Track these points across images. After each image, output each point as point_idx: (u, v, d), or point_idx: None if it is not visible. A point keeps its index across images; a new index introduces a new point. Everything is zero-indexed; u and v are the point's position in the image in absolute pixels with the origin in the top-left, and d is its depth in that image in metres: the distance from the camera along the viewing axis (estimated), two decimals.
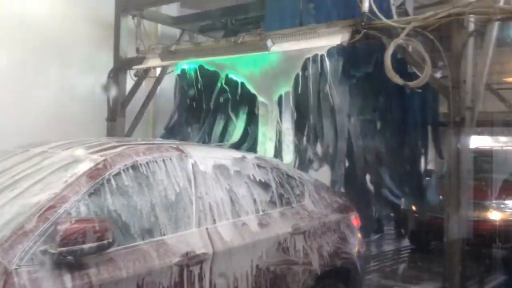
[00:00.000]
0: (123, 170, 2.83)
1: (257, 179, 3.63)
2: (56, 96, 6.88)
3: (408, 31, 4.36)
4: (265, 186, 3.66)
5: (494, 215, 6.35)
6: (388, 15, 4.71)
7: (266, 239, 3.40)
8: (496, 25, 4.86)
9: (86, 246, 2.33)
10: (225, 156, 3.58)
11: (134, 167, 2.91)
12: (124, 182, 2.81)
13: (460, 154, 4.35)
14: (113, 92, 7.09)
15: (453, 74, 4.38)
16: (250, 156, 3.83)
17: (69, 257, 2.31)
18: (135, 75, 6.99)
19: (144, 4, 7.12)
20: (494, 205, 6.41)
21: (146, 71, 6.90)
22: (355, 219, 4.34)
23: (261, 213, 3.51)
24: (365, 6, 4.54)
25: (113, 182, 2.75)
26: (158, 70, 7.20)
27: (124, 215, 2.72)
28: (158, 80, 7.36)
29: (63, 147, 3.14)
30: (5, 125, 5.85)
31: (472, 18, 4.31)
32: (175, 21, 7.72)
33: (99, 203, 2.66)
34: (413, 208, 7.12)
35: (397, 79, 4.44)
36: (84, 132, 6.86)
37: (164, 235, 2.85)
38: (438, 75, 5.01)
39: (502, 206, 6.48)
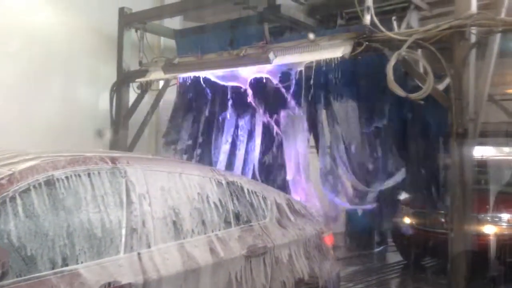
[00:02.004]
0: (34, 187, 2.39)
1: (209, 196, 3.21)
2: (60, 108, 6.90)
3: (410, 43, 4.38)
4: (218, 203, 3.25)
5: (488, 229, 5.99)
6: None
7: (214, 265, 2.95)
8: (498, 37, 4.87)
9: None
10: (170, 169, 3.11)
11: (49, 182, 2.46)
12: (34, 200, 2.37)
13: (464, 165, 4.33)
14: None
15: (455, 86, 4.38)
16: (201, 169, 3.42)
17: None
18: (138, 87, 7.03)
19: (147, 17, 7.17)
20: (488, 218, 6.08)
21: (149, 83, 6.92)
22: (328, 238, 3.97)
23: (211, 234, 3.07)
24: (367, 19, 4.56)
25: (18, 200, 2.31)
26: (161, 83, 7.23)
27: (30, 240, 2.28)
28: (161, 93, 7.38)
29: None
30: (9, 136, 5.86)
31: (473, 30, 4.32)
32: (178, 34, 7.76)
33: None
34: (405, 221, 6.81)
35: (399, 91, 4.45)
36: (86, 144, 6.90)
37: (81, 263, 2.41)
38: (441, 86, 5.00)
39: (496, 219, 6.15)
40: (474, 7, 4.39)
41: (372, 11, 4.55)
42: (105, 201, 2.64)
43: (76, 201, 2.54)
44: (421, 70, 4.75)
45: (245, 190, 3.51)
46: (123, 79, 7.14)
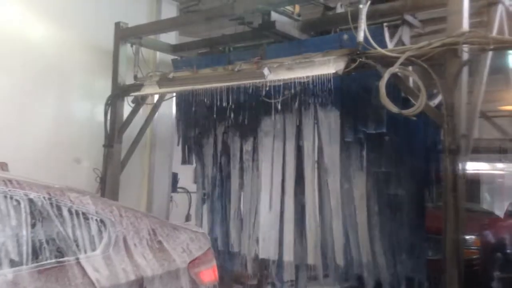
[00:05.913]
0: None
1: None
2: (54, 122, 6.91)
3: (403, 60, 4.42)
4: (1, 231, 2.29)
5: None
6: (383, 45, 4.78)
7: None
8: (489, 54, 4.92)
9: None
10: None
11: None
12: None
13: (457, 182, 4.34)
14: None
15: (447, 103, 4.41)
16: None
17: None
18: (133, 101, 7.04)
19: (143, 32, 7.21)
20: None
21: (144, 97, 6.94)
22: (207, 272, 3.07)
23: None
24: (361, 36, 4.61)
25: None
26: (156, 97, 7.25)
27: None
28: (156, 107, 7.41)
29: None
30: (2, 151, 5.84)
31: (466, 47, 4.37)
32: (174, 49, 7.80)
33: None
34: None
35: (392, 107, 4.48)
36: (81, 158, 6.89)
37: None
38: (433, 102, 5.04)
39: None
40: (466, 25, 4.44)
41: (365, 27, 4.59)
42: None
43: None
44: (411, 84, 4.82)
45: (65, 212, 2.56)
46: (118, 93, 7.14)
